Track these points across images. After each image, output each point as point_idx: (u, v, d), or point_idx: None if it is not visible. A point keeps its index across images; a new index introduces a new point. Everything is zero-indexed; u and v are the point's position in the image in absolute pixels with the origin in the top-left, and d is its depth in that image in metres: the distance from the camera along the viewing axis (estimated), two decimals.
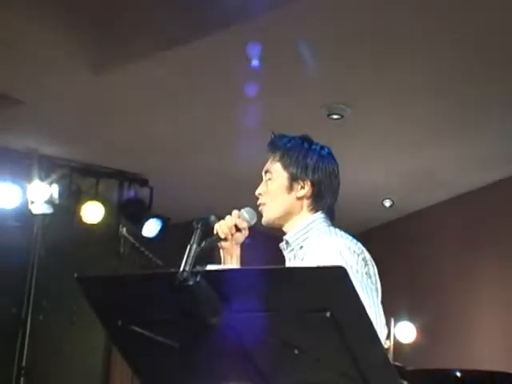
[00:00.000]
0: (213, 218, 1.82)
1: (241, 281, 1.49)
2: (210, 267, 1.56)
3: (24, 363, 5.54)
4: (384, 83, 4.64)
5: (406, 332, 5.70)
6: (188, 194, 6.15)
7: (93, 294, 1.62)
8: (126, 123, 5.25)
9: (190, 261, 1.53)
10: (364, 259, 2.03)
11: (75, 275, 1.57)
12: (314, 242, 2.10)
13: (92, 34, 4.42)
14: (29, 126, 5.31)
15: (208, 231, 1.77)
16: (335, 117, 4.92)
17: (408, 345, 5.75)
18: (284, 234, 2.22)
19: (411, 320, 5.65)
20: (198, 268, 1.50)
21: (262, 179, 2.26)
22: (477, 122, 5.10)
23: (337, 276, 1.39)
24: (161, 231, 5.93)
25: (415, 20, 3.97)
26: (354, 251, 2.02)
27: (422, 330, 5.74)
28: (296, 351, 1.51)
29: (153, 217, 5.91)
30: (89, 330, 4.90)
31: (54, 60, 4.52)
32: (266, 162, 2.25)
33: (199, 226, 1.73)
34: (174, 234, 5.55)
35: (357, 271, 1.98)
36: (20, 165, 5.64)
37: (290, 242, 2.16)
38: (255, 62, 4.19)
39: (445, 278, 6.08)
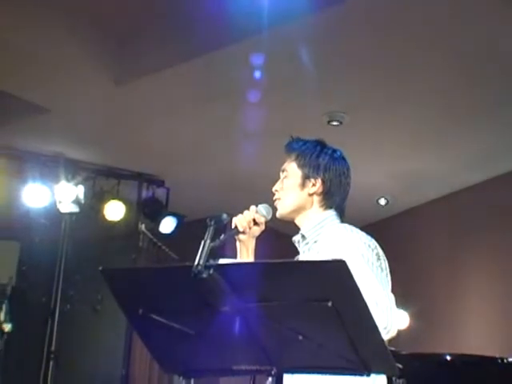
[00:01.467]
0: (225, 216, 1.82)
1: (250, 273, 1.49)
2: (222, 261, 1.56)
3: (53, 348, 5.53)
4: (378, 94, 4.64)
5: (400, 319, 5.69)
6: (201, 194, 6.15)
7: (116, 285, 1.62)
8: (144, 130, 5.24)
9: (203, 255, 1.52)
10: (377, 254, 2.04)
11: (100, 268, 1.58)
12: (330, 237, 2.10)
13: (114, 49, 4.43)
14: (56, 132, 5.30)
15: (220, 228, 1.76)
16: (335, 123, 4.92)
17: (402, 331, 5.74)
18: (295, 228, 2.22)
19: (405, 308, 5.64)
20: (211, 262, 1.50)
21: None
22: (463, 127, 5.09)
23: (338, 269, 1.39)
24: (176, 228, 5.92)
25: (408, 38, 3.97)
26: (369, 246, 2.03)
27: (415, 317, 5.73)
28: (300, 337, 1.51)
29: (169, 214, 5.91)
30: (111, 317, 4.93)
31: (79, 72, 4.52)
32: (281, 163, 2.26)
33: (212, 223, 1.72)
34: (189, 230, 5.55)
35: (372, 264, 1.99)
36: (48, 168, 5.63)
37: (306, 235, 2.16)
38: (257, 73, 4.20)
39: (436, 269, 6.06)
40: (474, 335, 5.58)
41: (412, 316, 5.74)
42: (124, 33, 4.33)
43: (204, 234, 1.68)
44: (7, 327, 4.37)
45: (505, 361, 3.66)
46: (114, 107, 4.92)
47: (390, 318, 1.91)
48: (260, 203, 2.16)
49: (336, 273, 1.39)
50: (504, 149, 5.34)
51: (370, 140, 5.24)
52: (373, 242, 2.06)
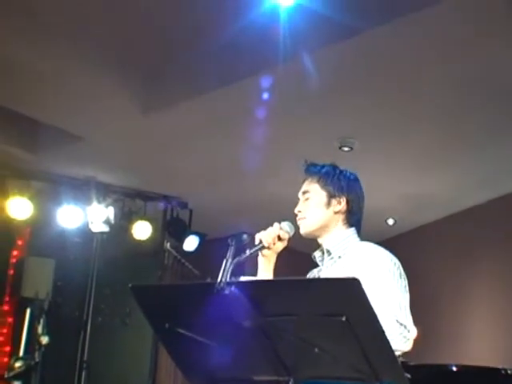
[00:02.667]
0: (245, 236, 1.81)
1: (268, 290, 1.49)
2: (242, 278, 1.56)
3: (85, 358, 5.53)
4: (386, 122, 4.64)
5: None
6: (221, 215, 6.15)
7: (144, 301, 1.63)
8: (169, 155, 5.26)
9: (225, 273, 1.53)
10: (400, 272, 2.04)
11: (130, 285, 1.58)
12: (356, 253, 2.08)
13: (141, 83, 4.47)
14: (88, 158, 5.33)
15: (240, 247, 1.76)
16: (346, 149, 4.90)
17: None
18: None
19: (413, 322, 5.57)
20: (233, 279, 1.50)
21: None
22: (466, 152, 5.06)
23: (351, 286, 1.38)
24: (199, 246, 5.91)
25: (415, 68, 3.97)
26: (395, 263, 2.04)
27: (422, 331, 5.65)
28: (316, 350, 1.50)
29: (192, 234, 5.90)
30: (139, 330, 4.92)
31: (109, 103, 4.56)
32: (295, 186, 2.25)
33: (233, 243, 1.72)
34: (210, 248, 5.56)
35: (397, 280, 2.00)
36: (81, 191, 5.65)
37: (331, 251, 2.13)
38: (270, 100, 4.20)
39: (441, 285, 6.00)
40: (477, 347, 5.50)
41: (419, 329, 5.66)
42: (150, 69, 4.37)
43: (225, 252, 1.68)
44: (44, 340, 4.36)
45: (508, 372, 3.61)
46: (141, 135, 4.95)
47: (410, 332, 1.94)
48: (283, 220, 2.12)
49: (350, 290, 1.39)
50: (506, 171, 5.31)
51: (378, 164, 5.22)
52: (397, 260, 2.05)
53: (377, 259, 2.02)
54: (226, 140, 4.94)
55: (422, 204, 6.01)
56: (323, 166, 2.22)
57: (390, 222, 6.33)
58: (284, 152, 4.91)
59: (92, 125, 4.84)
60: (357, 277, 1.38)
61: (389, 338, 1.82)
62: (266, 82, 4.08)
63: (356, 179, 2.23)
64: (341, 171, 2.22)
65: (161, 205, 6.01)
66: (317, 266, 2.21)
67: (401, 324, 1.92)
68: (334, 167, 2.23)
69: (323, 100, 4.34)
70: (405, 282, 2.05)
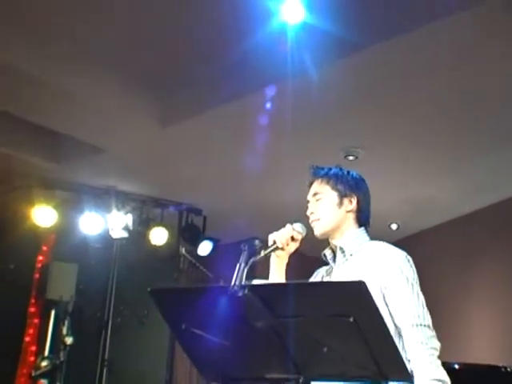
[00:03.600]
0: (257, 242, 1.80)
1: (280, 292, 1.48)
2: (255, 282, 1.55)
3: (106, 356, 5.53)
4: (390, 133, 4.63)
5: None
6: (233, 221, 6.14)
7: (162, 303, 1.62)
8: (185, 165, 5.27)
9: (239, 277, 1.52)
10: (414, 270, 2.00)
11: (148, 289, 1.57)
12: (369, 251, 2.05)
13: (159, 97, 4.49)
14: (108, 168, 5.36)
15: (252, 252, 1.75)
16: (351, 158, 4.89)
17: None
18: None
19: None
20: (246, 282, 1.49)
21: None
22: (467, 159, 5.04)
23: (358, 289, 1.37)
24: (212, 250, 5.91)
25: (417, 82, 3.97)
26: (409, 260, 2.00)
27: None
28: (325, 349, 1.49)
29: (205, 239, 5.89)
30: (156, 329, 4.92)
31: (129, 117, 4.58)
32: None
33: (246, 248, 1.72)
34: (223, 253, 5.55)
35: (413, 278, 1.96)
36: (102, 199, 5.66)
37: (344, 249, 2.08)
38: (274, 108, 4.19)
39: (443, 286, 5.95)
40: (478, 346, 5.46)
41: None
42: (166, 85, 4.38)
43: (236, 256, 1.67)
44: (69, 340, 4.37)
45: (508, 369, 3.57)
46: (158, 147, 4.96)
47: (422, 324, 1.89)
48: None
49: (356, 292, 1.38)
50: (504, 177, 5.28)
51: (382, 172, 5.19)
52: (410, 258, 2.02)
53: (392, 259, 1.99)
54: (237, 150, 4.95)
55: (424, 209, 5.98)
56: (330, 168, 2.19)
57: (394, 226, 6.31)
58: (292, 161, 4.90)
59: (112, 137, 4.86)
60: (363, 279, 1.37)
61: (415, 342, 1.84)
62: (274, 95, 4.08)
63: (362, 179, 2.19)
64: (348, 172, 2.18)
65: (176, 212, 6.02)
66: (325, 264, 2.17)
67: (424, 325, 1.89)
68: (340, 168, 2.19)
69: (329, 112, 4.34)
70: (418, 278, 2.00)
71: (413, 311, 1.91)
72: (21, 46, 3.84)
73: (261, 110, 4.31)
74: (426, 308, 1.94)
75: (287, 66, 3.63)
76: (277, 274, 2.09)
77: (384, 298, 1.93)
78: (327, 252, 2.14)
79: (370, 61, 3.73)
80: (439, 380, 1.87)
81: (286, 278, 2.11)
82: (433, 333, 1.91)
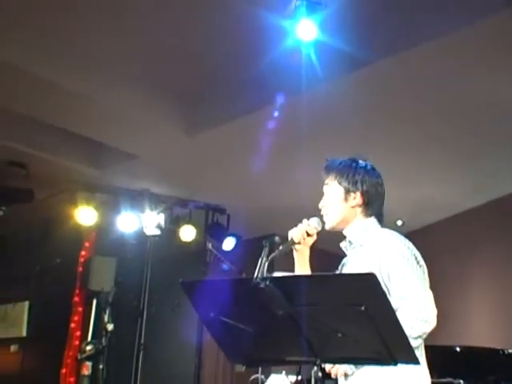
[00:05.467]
0: (276, 238, 1.78)
1: (298, 284, 1.48)
2: (275, 274, 1.55)
3: (142, 341, 5.56)
4: (397, 140, 4.61)
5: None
6: (254, 219, 6.13)
7: (192, 294, 1.62)
8: (210, 169, 5.26)
9: (261, 270, 1.52)
10: (414, 255, 1.93)
11: (180, 280, 1.57)
12: (374, 241, 1.97)
13: (185, 109, 4.51)
14: (142, 173, 5.37)
15: (273, 247, 1.74)
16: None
17: None
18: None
19: None
20: (267, 275, 1.49)
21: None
22: (465, 162, 5.00)
23: (369, 280, 1.37)
24: (235, 246, 5.91)
25: (420, 94, 3.96)
26: (408, 247, 1.94)
27: None
28: (339, 334, 1.48)
29: (229, 235, 5.88)
30: (186, 317, 4.92)
31: (159, 127, 4.60)
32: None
33: (266, 244, 1.70)
34: (245, 248, 5.56)
35: (412, 264, 1.90)
36: (136, 200, 5.67)
37: (352, 241, 2.03)
38: (289, 117, 4.15)
39: (446, 276, 5.88)
40: (477, 328, 5.40)
41: None
42: (192, 99, 4.41)
43: (258, 251, 1.67)
44: (110, 327, 4.40)
45: (506, 352, 3.54)
46: (186, 153, 4.97)
47: (429, 311, 1.83)
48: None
49: (367, 283, 1.37)
50: (500, 178, 5.22)
51: (390, 174, 5.06)
52: (411, 245, 1.95)
53: (392, 247, 1.92)
54: (256, 156, 4.94)
55: (427, 207, 5.93)
56: (341, 162, 2.11)
57: (399, 222, 6.25)
58: (307, 165, 4.87)
59: (145, 145, 4.89)
60: (373, 271, 1.36)
61: (406, 320, 1.74)
62: (288, 106, 4.07)
63: (372, 169, 2.10)
64: (357, 164, 2.09)
65: (203, 211, 6.03)
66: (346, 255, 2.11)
67: (417, 308, 1.82)
68: (352, 161, 2.11)
69: (340, 121, 4.32)
70: (421, 263, 1.94)
71: (399, 288, 1.85)
72: (72, 69, 3.89)
73: (277, 120, 4.30)
74: (414, 285, 1.86)
75: (301, 80, 3.63)
76: (300, 266, 2.05)
77: (383, 279, 1.86)
78: (343, 244, 2.09)
79: (377, 75, 3.73)
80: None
81: (312, 272, 2.06)
82: (424, 316, 1.82)
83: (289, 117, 4.14)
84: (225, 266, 4.93)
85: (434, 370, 2.00)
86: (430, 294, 1.89)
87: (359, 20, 3.35)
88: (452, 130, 4.45)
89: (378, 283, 1.35)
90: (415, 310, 1.81)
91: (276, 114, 4.18)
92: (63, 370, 5.63)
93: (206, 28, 3.57)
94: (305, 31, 3.12)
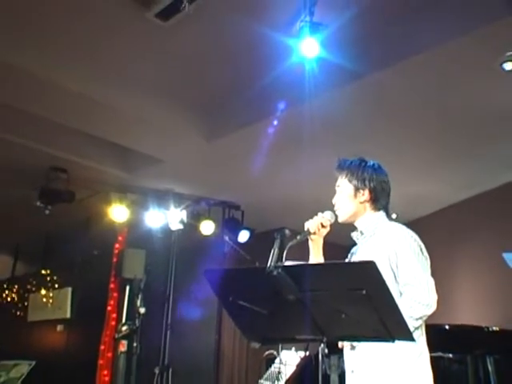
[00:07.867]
0: (287, 231, 1.77)
1: (306, 271, 1.48)
2: (287, 263, 1.54)
3: (169, 321, 5.59)
4: (392, 142, 4.56)
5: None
6: (266, 214, 6.13)
7: (214, 280, 1.62)
8: (226, 171, 5.24)
9: (274, 259, 1.52)
10: (419, 245, 1.94)
11: (205, 269, 1.57)
12: (384, 232, 1.98)
13: (204, 116, 4.51)
14: (167, 174, 5.37)
15: (284, 239, 1.73)
16: None
17: None
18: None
19: None
20: (279, 263, 1.48)
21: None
22: (455, 161, 4.97)
23: (369, 267, 1.36)
24: (249, 238, 5.90)
25: (414, 102, 3.92)
26: (415, 239, 1.94)
27: None
28: (343, 315, 1.48)
29: (244, 229, 5.88)
30: (207, 302, 4.94)
31: (181, 133, 4.58)
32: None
33: (278, 236, 1.70)
34: (258, 240, 5.55)
35: (418, 254, 1.90)
36: (162, 199, 5.68)
37: (364, 232, 2.03)
38: (295, 125, 4.12)
39: (436, 264, 5.84)
40: (464, 313, 5.35)
41: None
42: (210, 109, 4.41)
43: (270, 242, 1.66)
44: (142, 310, 4.43)
45: (489, 329, 3.50)
46: (206, 157, 4.96)
47: (431, 296, 1.83)
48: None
49: (368, 270, 1.36)
50: (485, 175, 5.18)
51: (389, 174, 5.11)
52: (417, 237, 1.96)
53: (400, 237, 1.93)
54: (268, 159, 4.93)
55: (419, 201, 5.88)
56: (351, 161, 2.10)
57: (394, 215, 6.19)
58: (314, 166, 4.86)
59: (170, 151, 4.89)
60: (374, 259, 1.35)
61: (409, 303, 1.76)
62: (294, 115, 4.06)
63: (379, 168, 2.09)
64: (366, 163, 2.08)
65: (220, 208, 6.03)
66: (355, 244, 2.11)
67: (419, 293, 1.82)
68: (361, 161, 2.09)
69: (340, 126, 4.29)
70: (426, 253, 1.94)
71: (405, 276, 1.85)
72: (104, 83, 3.90)
73: (283, 127, 4.29)
74: (418, 274, 1.86)
75: (305, 92, 3.62)
76: (314, 255, 2.04)
77: (391, 266, 1.88)
78: (354, 234, 2.08)
79: (374, 85, 3.70)
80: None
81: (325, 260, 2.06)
82: (425, 300, 1.83)
83: (294, 124, 4.13)
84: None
85: (427, 345, 1.99)
86: (432, 282, 1.89)
87: (357, 36, 3.33)
88: (443, 134, 4.41)
89: (378, 270, 1.34)
90: (418, 294, 1.83)
91: (281, 121, 4.17)
92: (102, 347, 5.68)
93: (223, 49, 3.61)
94: (308, 49, 3.10)
